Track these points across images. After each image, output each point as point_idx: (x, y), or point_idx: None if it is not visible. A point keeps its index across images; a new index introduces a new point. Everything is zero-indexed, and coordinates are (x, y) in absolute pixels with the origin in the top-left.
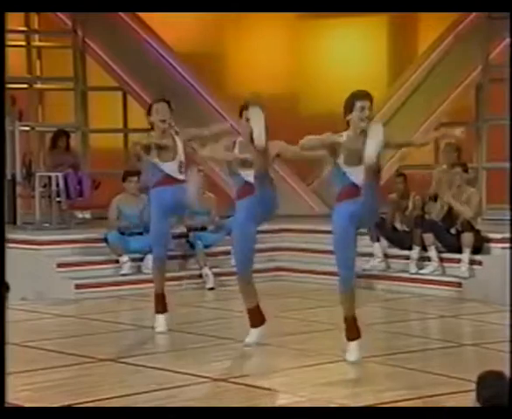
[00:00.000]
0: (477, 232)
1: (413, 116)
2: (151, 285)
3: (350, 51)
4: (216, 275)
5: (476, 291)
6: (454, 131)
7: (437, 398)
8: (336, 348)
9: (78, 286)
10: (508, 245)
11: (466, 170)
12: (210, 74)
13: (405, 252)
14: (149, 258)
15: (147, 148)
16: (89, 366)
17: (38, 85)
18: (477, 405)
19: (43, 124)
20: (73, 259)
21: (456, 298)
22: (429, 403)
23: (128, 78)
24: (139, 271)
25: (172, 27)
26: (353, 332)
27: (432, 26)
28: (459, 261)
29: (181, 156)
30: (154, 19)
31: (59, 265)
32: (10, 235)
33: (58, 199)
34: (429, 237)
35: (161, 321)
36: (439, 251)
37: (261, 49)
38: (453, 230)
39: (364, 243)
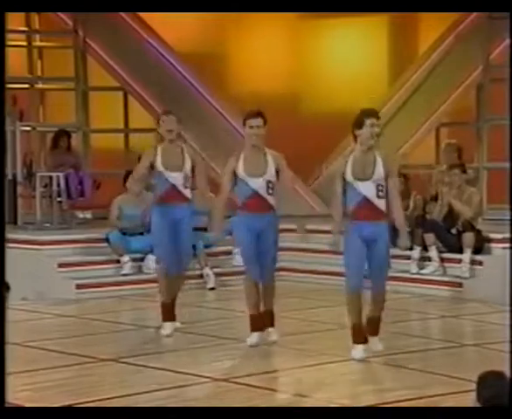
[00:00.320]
0: (478, 232)
1: (414, 116)
2: (152, 285)
3: (351, 51)
4: (217, 275)
5: (477, 292)
6: None
7: (438, 398)
8: (337, 348)
9: (79, 286)
10: (508, 245)
11: (464, 171)
12: (211, 74)
13: (406, 252)
14: (150, 258)
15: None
16: (90, 366)
17: (39, 86)
18: (477, 405)
19: (44, 124)
20: (74, 259)
21: (457, 299)
22: (430, 403)
23: (128, 78)
24: (140, 271)
25: (173, 27)
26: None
27: (432, 26)
28: (459, 261)
29: (187, 170)
30: (155, 19)
31: (60, 265)
32: (11, 235)
33: (59, 199)
34: (430, 237)
35: (169, 325)
36: (440, 251)
37: (262, 49)
38: (453, 230)
39: None
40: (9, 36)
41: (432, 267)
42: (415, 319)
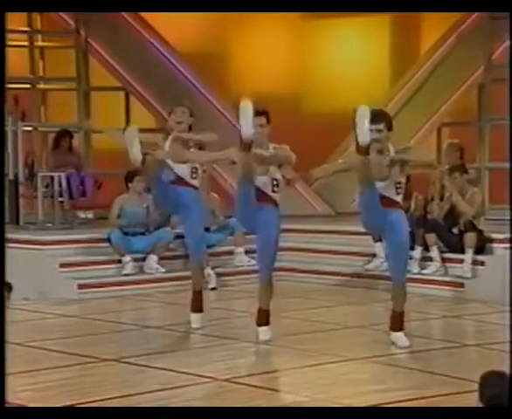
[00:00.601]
0: (480, 232)
1: (416, 116)
2: (154, 284)
3: (353, 51)
4: (218, 275)
5: (478, 292)
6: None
7: (439, 398)
8: (339, 348)
9: (80, 286)
10: (509, 246)
11: (465, 171)
12: (212, 74)
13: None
14: (152, 258)
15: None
16: (92, 366)
17: (41, 86)
18: (480, 405)
19: (45, 124)
20: (76, 259)
21: (458, 299)
22: (431, 403)
23: (130, 78)
24: (141, 271)
25: (175, 27)
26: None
27: (434, 26)
28: (461, 261)
29: (192, 164)
30: (156, 19)
31: (62, 265)
32: (13, 235)
33: (60, 199)
34: (431, 237)
35: (197, 318)
36: (442, 251)
37: (264, 49)
38: (455, 230)
39: (367, 243)
40: (11, 36)
41: (433, 267)
42: (416, 319)
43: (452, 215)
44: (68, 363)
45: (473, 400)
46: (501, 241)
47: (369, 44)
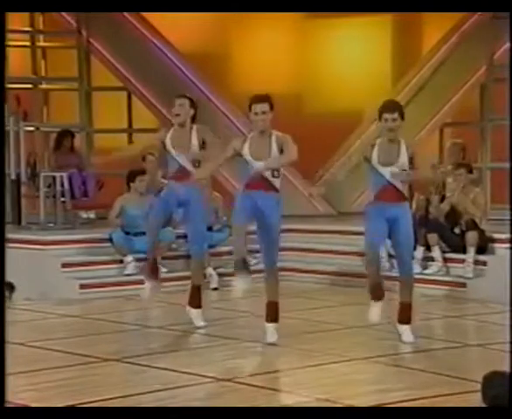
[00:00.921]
0: (482, 232)
1: (418, 116)
2: None
3: (355, 51)
4: (220, 275)
5: (480, 292)
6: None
7: (441, 398)
8: (340, 348)
9: (82, 286)
10: (509, 246)
11: (470, 171)
12: (214, 74)
13: None
14: None
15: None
16: (93, 366)
17: (43, 86)
18: (483, 405)
19: (47, 124)
20: (78, 259)
21: (460, 299)
22: (433, 403)
23: (132, 78)
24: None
25: (176, 27)
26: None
27: (436, 26)
28: (463, 261)
29: (194, 153)
30: (158, 19)
31: (64, 265)
32: (15, 235)
33: (62, 199)
34: (433, 237)
35: (197, 314)
36: (444, 251)
37: (265, 49)
38: (457, 230)
39: None
40: (13, 36)
41: (435, 267)
42: (418, 319)
43: (453, 214)
44: (70, 363)
45: (474, 400)
46: (502, 241)
47: (371, 44)
